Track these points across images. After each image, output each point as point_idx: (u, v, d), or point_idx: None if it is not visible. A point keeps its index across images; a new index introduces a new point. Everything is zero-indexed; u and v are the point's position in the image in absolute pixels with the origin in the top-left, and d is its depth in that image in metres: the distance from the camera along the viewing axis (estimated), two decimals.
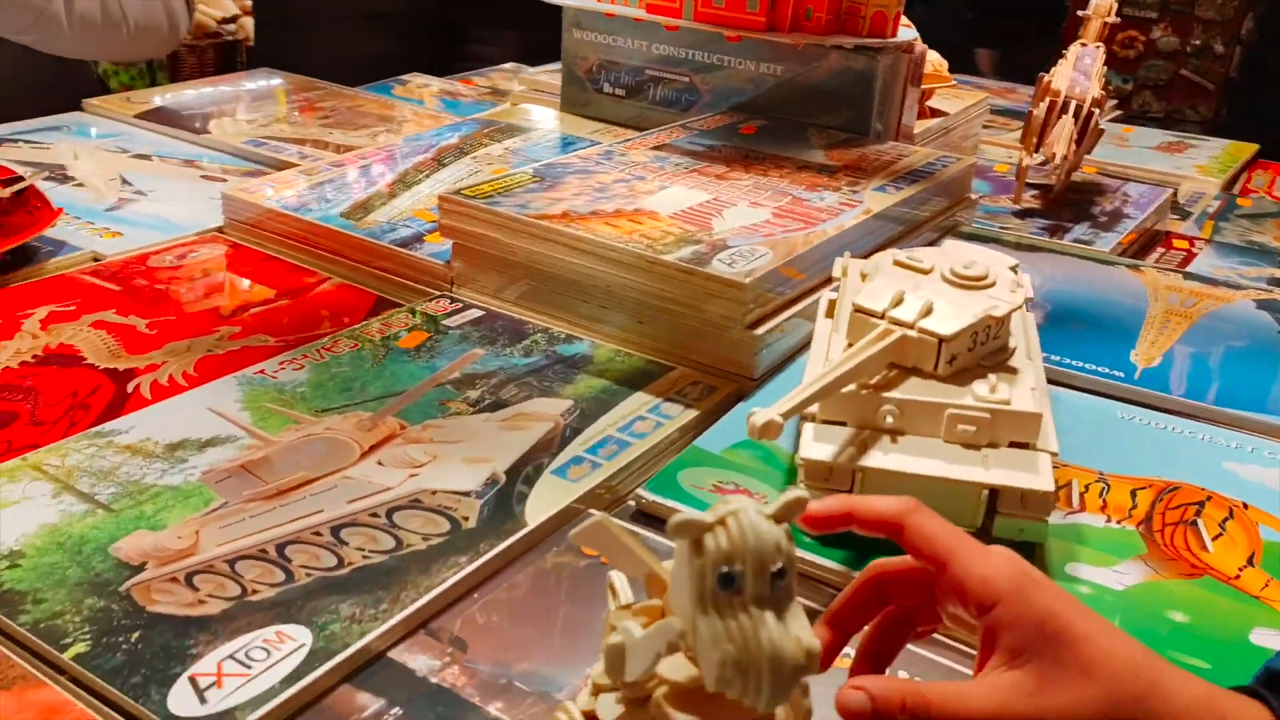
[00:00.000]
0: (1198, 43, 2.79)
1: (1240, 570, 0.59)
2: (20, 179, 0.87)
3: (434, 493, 0.61)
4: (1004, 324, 0.63)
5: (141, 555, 0.54)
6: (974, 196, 1.08)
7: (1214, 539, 0.61)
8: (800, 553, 0.57)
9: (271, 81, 1.44)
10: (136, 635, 0.49)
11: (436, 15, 1.95)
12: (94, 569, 0.53)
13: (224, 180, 1.08)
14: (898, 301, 0.62)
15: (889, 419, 0.59)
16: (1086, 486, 0.66)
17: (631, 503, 0.64)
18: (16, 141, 1.15)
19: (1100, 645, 0.40)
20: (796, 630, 0.34)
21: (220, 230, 0.98)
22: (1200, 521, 0.63)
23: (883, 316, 0.61)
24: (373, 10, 1.90)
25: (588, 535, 0.39)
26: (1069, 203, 1.17)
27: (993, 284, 0.64)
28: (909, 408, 0.59)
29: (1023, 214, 1.13)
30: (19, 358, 0.74)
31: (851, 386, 0.59)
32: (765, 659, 0.33)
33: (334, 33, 1.90)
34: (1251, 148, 1.51)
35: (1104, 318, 0.88)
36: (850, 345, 0.62)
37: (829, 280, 0.84)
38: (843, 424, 0.60)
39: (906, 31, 1.12)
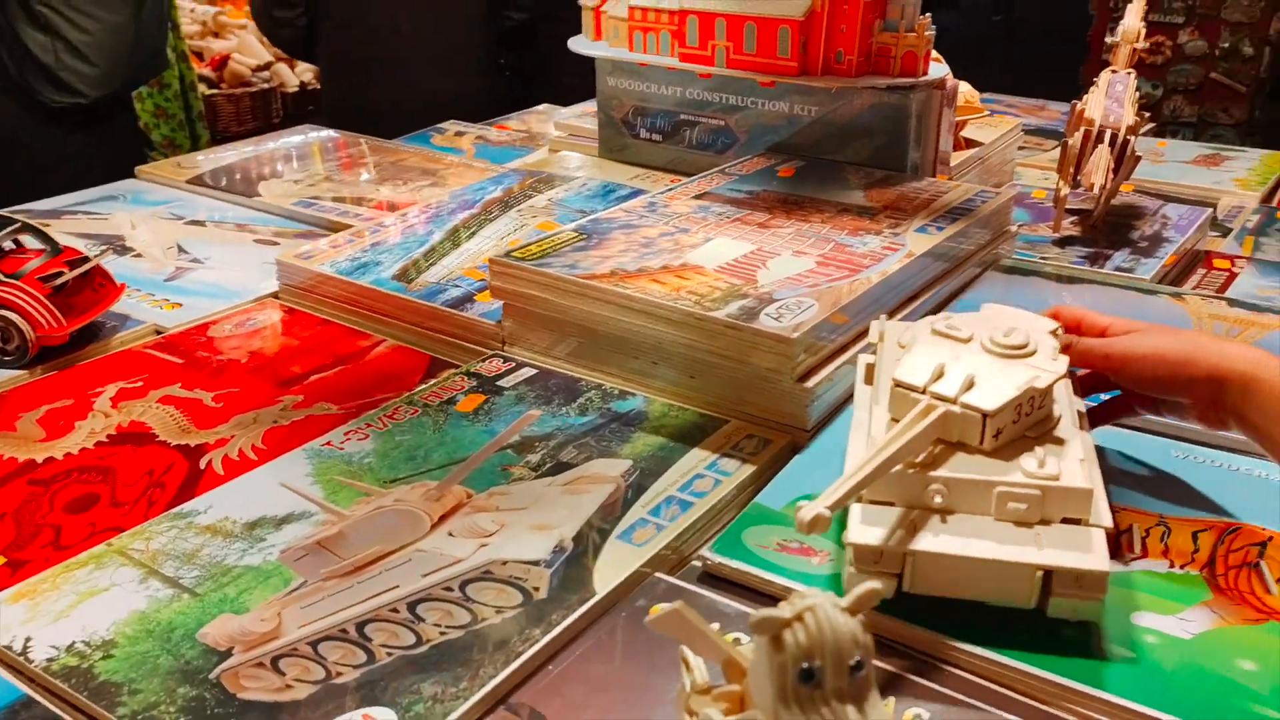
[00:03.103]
0: (1225, 45, 2.78)
1: None
2: (86, 259, 0.90)
3: (504, 563, 0.62)
4: (1048, 394, 0.61)
5: (228, 640, 0.56)
6: (1013, 228, 1.09)
7: (1278, 580, 0.62)
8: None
9: (310, 136, 1.47)
10: None
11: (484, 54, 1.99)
12: (184, 656, 0.55)
13: (277, 244, 1.10)
14: (938, 375, 0.60)
15: (937, 498, 0.57)
16: (1147, 531, 0.66)
17: (697, 563, 0.65)
18: (76, 213, 1.18)
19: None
20: None
21: (276, 295, 1.00)
22: (1263, 563, 0.63)
23: (924, 391, 0.59)
24: (418, 53, 1.93)
25: (665, 624, 0.41)
26: (1109, 228, 1.17)
27: (1034, 352, 0.62)
28: (957, 486, 0.57)
29: (1063, 242, 1.14)
30: (94, 438, 0.76)
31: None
32: None
33: (380, 76, 1.93)
34: None
35: None
36: (893, 420, 0.60)
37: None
38: (890, 504, 0.58)
39: (938, 67, 1.13)
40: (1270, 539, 0.65)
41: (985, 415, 0.58)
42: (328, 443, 0.75)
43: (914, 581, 0.56)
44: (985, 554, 0.55)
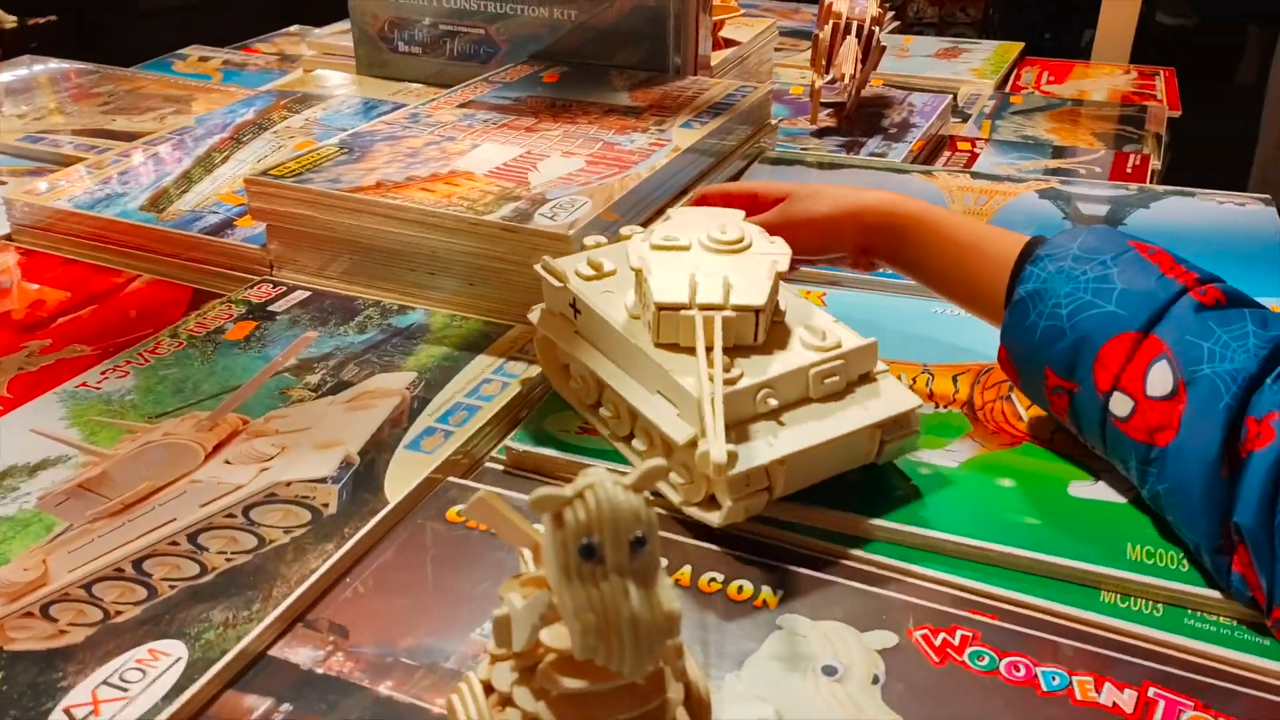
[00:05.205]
0: None
1: (1053, 434, 0.65)
2: None
3: (289, 484, 0.60)
4: (780, 277, 0.62)
5: None
6: (774, 121, 1.12)
7: (1027, 409, 0.68)
8: None
9: (36, 69, 1.34)
10: None
11: None
12: None
13: (3, 183, 1.01)
14: (694, 288, 0.59)
15: (771, 401, 0.57)
16: (914, 379, 0.71)
17: (492, 465, 0.65)
18: None
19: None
20: (659, 596, 0.35)
21: (8, 238, 0.92)
22: (1013, 395, 0.69)
23: (691, 306, 0.58)
24: None
25: (474, 510, 0.40)
26: (861, 118, 1.22)
27: (750, 244, 0.63)
28: (780, 383, 0.57)
29: (820, 133, 1.18)
30: None
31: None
32: (625, 625, 0.35)
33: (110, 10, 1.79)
34: (1017, 46, 1.61)
35: None
36: (662, 346, 0.59)
37: (651, 219, 0.86)
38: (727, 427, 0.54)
39: None
40: None
41: (758, 311, 0.58)
42: (82, 384, 0.70)
43: (784, 486, 0.57)
44: (838, 432, 0.57)
